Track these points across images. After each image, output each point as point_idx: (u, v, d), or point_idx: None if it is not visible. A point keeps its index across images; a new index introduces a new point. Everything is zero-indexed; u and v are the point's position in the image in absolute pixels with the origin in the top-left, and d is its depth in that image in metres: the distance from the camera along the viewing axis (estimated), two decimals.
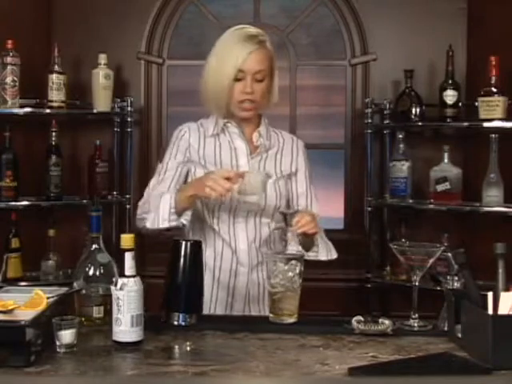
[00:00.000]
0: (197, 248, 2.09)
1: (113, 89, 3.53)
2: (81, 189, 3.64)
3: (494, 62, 3.28)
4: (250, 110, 2.30)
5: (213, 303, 2.30)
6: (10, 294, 2.00)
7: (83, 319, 1.97)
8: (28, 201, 3.43)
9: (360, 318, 2.01)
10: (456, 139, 3.66)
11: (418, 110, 3.54)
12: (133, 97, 3.66)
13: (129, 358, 1.77)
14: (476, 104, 3.34)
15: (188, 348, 1.87)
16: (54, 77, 3.40)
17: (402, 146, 3.57)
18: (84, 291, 2.01)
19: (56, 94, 3.40)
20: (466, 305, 1.86)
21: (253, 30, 2.31)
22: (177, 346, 1.88)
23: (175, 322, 2.02)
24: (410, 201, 3.58)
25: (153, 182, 2.35)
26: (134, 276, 1.84)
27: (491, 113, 3.27)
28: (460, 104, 3.48)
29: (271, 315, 2.08)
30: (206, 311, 2.22)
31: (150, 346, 1.84)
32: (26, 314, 1.74)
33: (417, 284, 2.05)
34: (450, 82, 3.47)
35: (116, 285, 1.84)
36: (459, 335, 1.87)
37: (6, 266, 3.39)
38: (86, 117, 3.69)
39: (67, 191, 3.56)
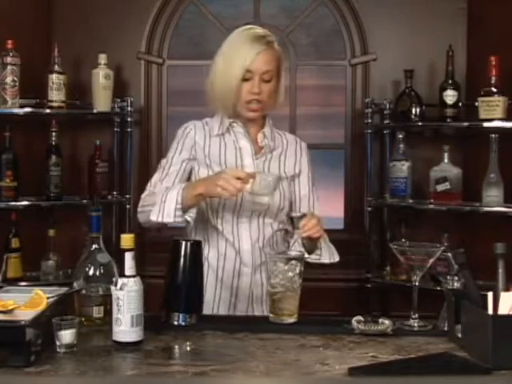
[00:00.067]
0: (197, 248, 2.09)
1: (113, 89, 3.53)
2: (81, 189, 3.64)
3: (493, 62, 3.28)
4: (257, 110, 2.29)
5: (216, 303, 2.30)
6: (9, 293, 2.00)
7: (83, 319, 1.97)
8: (28, 201, 3.43)
9: (360, 318, 2.01)
10: (456, 139, 3.66)
11: (417, 110, 3.54)
12: (133, 97, 3.66)
13: (129, 357, 1.77)
14: (476, 104, 3.34)
15: (188, 348, 1.86)
16: (53, 77, 3.40)
17: (401, 146, 3.57)
18: (84, 291, 2.01)
19: (56, 94, 3.40)
20: (465, 305, 1.86)
21: (260, 30, 2.31)
22: (177, 346, 1.88)
23: (175, 322, 2.02)
24: (410, 201, 3.58)
25: (156, 176, 2.33)
26: (134, 276, 1.84)
27: (491, 113, 3.27)
28: (460, 104, 3.48)
29: (271, 315, 2.08)
30: (209, 311, 2.23)
31: (149, 346, 1.84)
32: (25, 314, 1.74)
33: (417, 284, 2.05)
34: (450, 82, 3.47)
35: (116, 285, 1.84)
36: (459, 335, 1.87)
37: (6, 265, 3.39)
38: (86, 117, 3.69)
39: (67, 191, 3.56)
